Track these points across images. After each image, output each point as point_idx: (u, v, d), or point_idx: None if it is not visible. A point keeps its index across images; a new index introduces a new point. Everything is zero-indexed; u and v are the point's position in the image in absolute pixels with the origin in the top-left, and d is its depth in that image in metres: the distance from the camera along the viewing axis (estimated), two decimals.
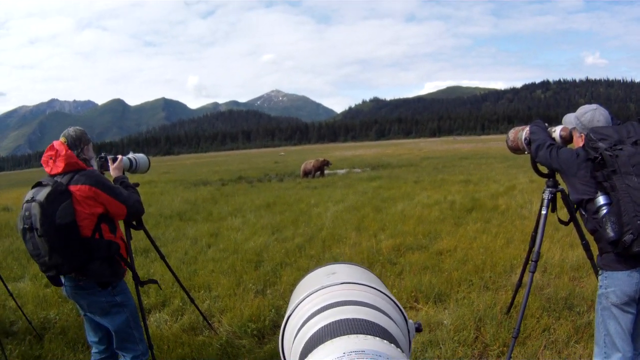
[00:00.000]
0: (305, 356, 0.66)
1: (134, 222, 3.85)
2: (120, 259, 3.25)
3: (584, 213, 3.05)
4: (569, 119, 3.32)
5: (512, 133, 3.98)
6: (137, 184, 3.72)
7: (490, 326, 4.51)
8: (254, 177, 23.94)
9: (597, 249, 3.09)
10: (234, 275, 6.69)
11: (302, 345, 0.75)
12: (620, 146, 2.79)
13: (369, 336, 0.70)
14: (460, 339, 4.34)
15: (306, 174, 23.19)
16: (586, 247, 3.98)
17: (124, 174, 3.80)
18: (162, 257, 4.41)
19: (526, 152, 3.81)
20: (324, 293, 0.91)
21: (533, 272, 3.79)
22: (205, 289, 6.18)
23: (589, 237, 3.38)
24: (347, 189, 16.71)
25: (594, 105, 3.18)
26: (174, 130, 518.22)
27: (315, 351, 0.66)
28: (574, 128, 3.25)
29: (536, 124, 3.64)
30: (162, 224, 10.85)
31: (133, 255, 3.74)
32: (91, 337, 3.41)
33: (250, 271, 6.85)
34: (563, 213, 4.02)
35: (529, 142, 3.66)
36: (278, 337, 0.92)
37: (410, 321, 0.97)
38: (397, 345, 0.75)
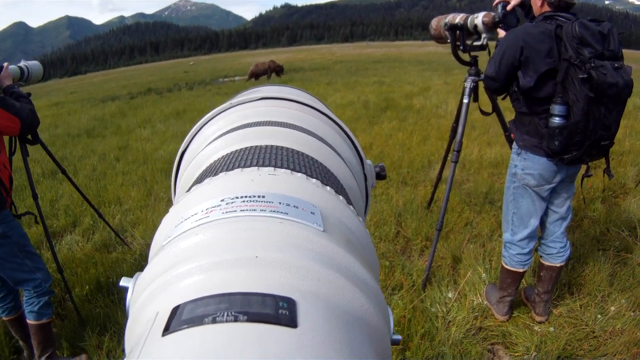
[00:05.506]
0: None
1: (30, 137, 3.35)
2: (1, 186, 2.77)
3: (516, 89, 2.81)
4: None
5: (434, 21, 3.76)
6: (29, 94, 3.17)
7: (411, 221, 4.43)
8: (163, 87, 22.84)
9: (518, 123, 2.89)
10: (144, 186, 6.37)
11: (194, 178, 0.54)
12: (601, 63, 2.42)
13: (285, 170, 0.43)
14: (382, 235, 4.23)
15: (257, 75, 21.16)
16: (509, 139, 3.85)
17: (14, 84, 3.25)
18: (64, 172, 3.95)
19: (448, 41, 3.59)
20: (235, 111, 0.63)
21: (455, 162, 3.63)
22: (115, 203, 5.83)
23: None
24: None
25: None
26: (80, 49, 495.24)
27: (183, 196, 0.43)
28: None
29: None
30: (70, 143, 10.09)
31: (35, 177, 3.30)
32: None
33: (161, 180, 6.54)
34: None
35: (449, 28, 3.46)
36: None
37: (368, 162, 0.65)
38: (339, 190, 0.47)
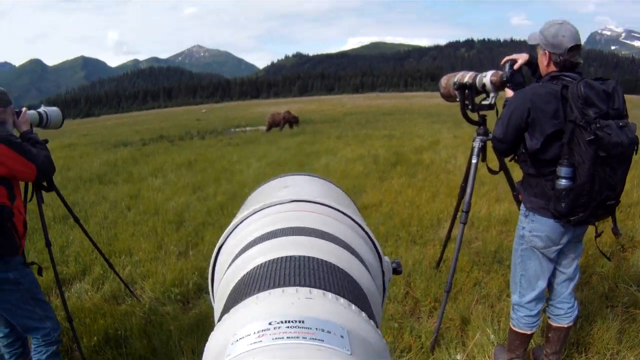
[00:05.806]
0: (228, 310, 0.50)
1: (45, 184, 3.40)
2: (15, 231, 2.81)
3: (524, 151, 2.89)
4: (534, 36, 2.94)
5: (444, 80, 3.84)
6: (46, 141, 3.23)
7: (420, 281, 4.43)
8: (175, 135, 23.17)
9: (526, 185, 2.96)
10: (155, 238, 6.40)
11: (230, 290, 0.57)
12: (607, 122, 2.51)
13: (318, 291, 0.50)
14: (391, 296, 4.24)
15: (271, 126, 21.91)
16: (517, 199, 3.90)
17: (31, 129, 3.28)
18: (77, 220, 3.98)
19: (457, 99, 3.66)
20: (265, 215, 0.68)
21: (464, 224, 3.68)
22: (126, 253, 5.86)
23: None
24: (270, 145, 16.34)
25: (559, 20, 2.86)
26: (94, 90, 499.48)
27: (234, 310, 0.49)
28: (538, 45, 2.88)
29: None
30: (82, 188, 10.22)
31: (46, 221, 3.38)
32: None
33: (171, 233, 6.57)
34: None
35: (458, 87, 3.54)
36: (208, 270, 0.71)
37: (385, 259, 0.72)
38: (363, 303, 0.54)
